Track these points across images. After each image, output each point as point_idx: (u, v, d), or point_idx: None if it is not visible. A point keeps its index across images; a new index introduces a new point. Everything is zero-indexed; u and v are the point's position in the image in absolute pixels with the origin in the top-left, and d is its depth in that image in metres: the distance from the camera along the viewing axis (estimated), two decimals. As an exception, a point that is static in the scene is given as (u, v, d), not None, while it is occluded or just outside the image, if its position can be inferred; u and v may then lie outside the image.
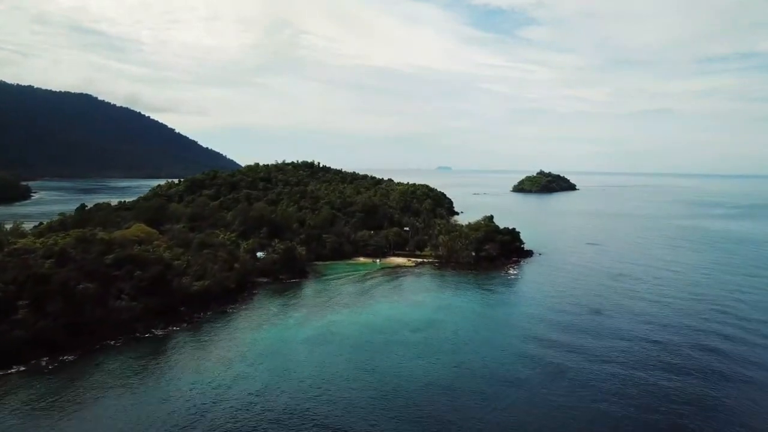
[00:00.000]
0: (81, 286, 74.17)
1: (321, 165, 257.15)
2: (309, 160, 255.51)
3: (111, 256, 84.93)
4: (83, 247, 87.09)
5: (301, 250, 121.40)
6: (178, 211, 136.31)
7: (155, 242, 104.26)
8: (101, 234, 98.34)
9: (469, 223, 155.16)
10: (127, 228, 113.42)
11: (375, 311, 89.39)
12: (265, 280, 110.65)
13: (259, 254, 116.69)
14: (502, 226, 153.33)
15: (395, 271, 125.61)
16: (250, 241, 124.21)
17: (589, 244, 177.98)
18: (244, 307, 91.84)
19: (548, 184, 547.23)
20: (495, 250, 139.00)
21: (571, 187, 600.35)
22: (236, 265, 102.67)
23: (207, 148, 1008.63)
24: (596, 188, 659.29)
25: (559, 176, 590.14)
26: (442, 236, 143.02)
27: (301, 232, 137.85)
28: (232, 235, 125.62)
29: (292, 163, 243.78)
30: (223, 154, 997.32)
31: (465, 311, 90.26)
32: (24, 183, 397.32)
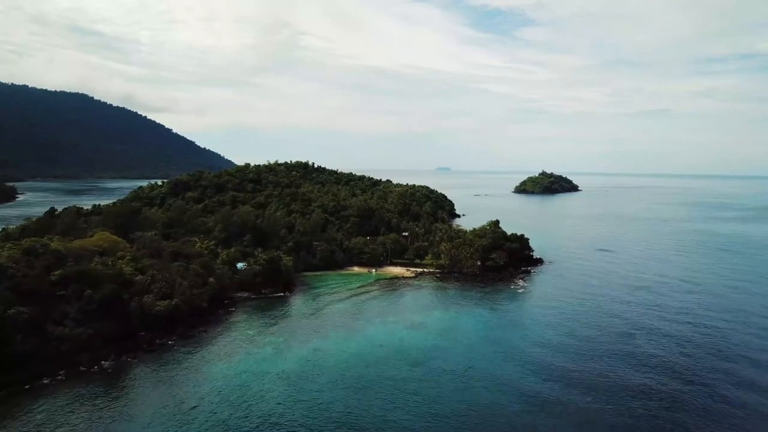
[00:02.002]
0: (12, 310, 61.63)
1: (315, 165, 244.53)
2: (306, 161, 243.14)
3: (57, 272, 72.29)
4: (27, 261, 74.49)
5: (288, 260, 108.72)
6: (154, 217, 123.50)
7: (119, 253, 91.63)
8: (55, 244, 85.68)
9: (474, 228, 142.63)
10: (91, 236, 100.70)
11: (368, 336, 76.75)
12: (245, 295, 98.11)
13: (240, 265, 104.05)
14: (506, 230, 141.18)
15: (392, 284, 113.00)
16: (232, 249, 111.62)
17: (600, 250, 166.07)
18: (217, 330, 79.19)
19: (550, 185, 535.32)
20: (502, 259, 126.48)
21: (574, 188, 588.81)
22: (211, 280, 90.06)
23: (204, 148, 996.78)
24: (599, 189, 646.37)
25: (561, 177, 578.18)
26: (444, 243, 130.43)
27: (289, 240, 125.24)
28: (211, 243, 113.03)
29: (285, 163, 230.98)
30: (221, 155, 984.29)
31: (472, 336, 77.52)
32: (10, 184, 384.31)
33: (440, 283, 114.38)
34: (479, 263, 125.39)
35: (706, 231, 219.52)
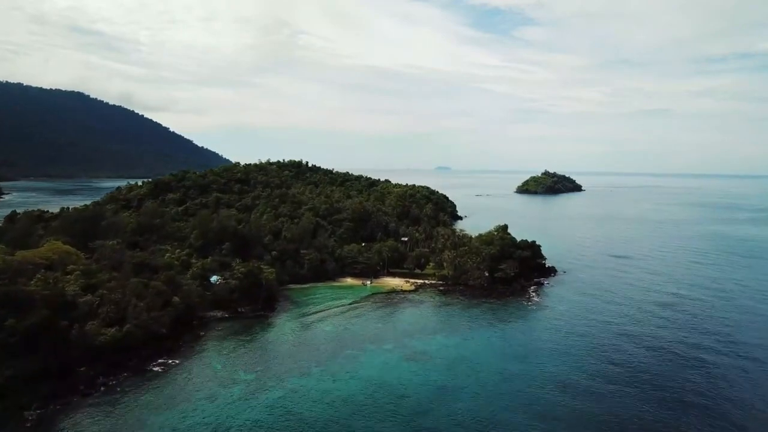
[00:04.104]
0: None
1: (309, 164, 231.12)
2: (300, 160, 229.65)
3: (-23, 296, 59.12)
4: (-57, 280, 61.35)
5: (270, 272, 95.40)
6: (122, 222, 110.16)
7: (70, 267, 78.50)
8: (-9, 257, 72.43)
9: (480, 234, 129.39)
10: (42, 247, 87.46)
11: (358, 371, 63.49)
12: (218, 314, 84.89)
13: (213, 278, 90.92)
14: (512, 233, 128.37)
15: (389, 299, 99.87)
16: (208, 260, 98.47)
17: (615, 257, 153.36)
18: (177, 362, 65.86)
19: (553, 185, 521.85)
20: (512, 269, 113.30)
21: (577, 188, 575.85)
22: (175, 298, 76.90)
23: (202, 147, 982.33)
24: (602, 189, 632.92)
25: (564, 177, 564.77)
26: (447, 251, 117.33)
27: (273, 247, 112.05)
28: (184, 252, 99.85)
29: (277, 162, 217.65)
30: (219, 154, 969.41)
31: (483, 371, 64.21)
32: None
33: (443, 298, 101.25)
34: (487, 274, 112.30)
35: (722, 235, 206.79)
